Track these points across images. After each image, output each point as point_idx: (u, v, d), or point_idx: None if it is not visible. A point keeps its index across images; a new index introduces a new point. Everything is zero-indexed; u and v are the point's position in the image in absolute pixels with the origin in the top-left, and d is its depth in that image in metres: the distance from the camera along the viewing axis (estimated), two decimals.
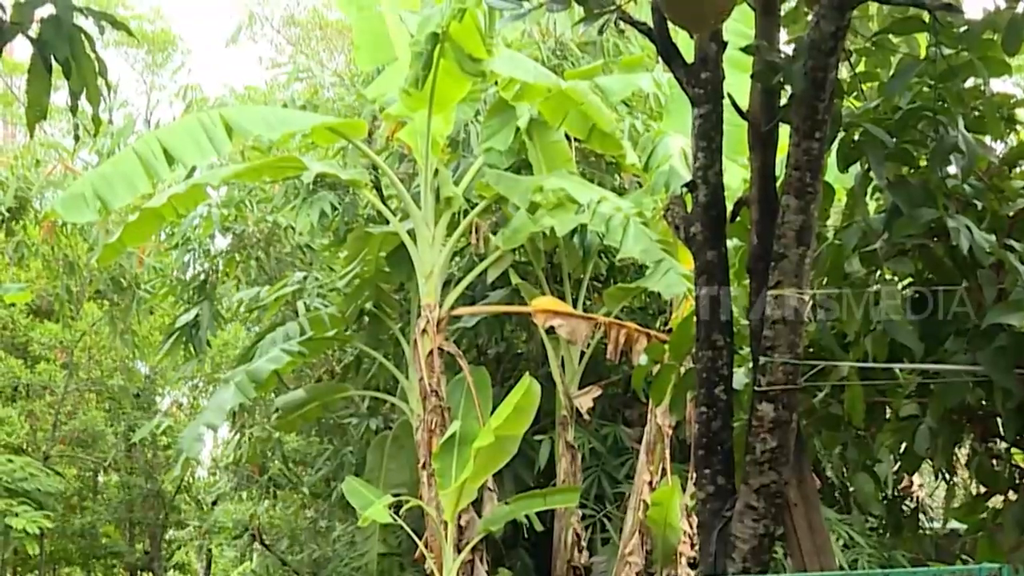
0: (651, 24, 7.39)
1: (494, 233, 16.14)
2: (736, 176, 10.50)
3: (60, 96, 24.85)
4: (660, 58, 8.12)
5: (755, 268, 6.89)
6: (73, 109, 6.52)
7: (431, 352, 15.30)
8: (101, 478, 32.98)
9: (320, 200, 17.57)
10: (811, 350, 7.02)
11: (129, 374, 30.38)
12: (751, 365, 6.88)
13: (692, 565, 14.35)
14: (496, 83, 15.66)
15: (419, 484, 15.53)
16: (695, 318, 7.18)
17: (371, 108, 17.57)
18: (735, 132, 7.63)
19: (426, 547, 15.29)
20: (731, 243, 7.41)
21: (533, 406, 14.08)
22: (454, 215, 16.02)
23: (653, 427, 15.06)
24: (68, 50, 6.18)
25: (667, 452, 15.00)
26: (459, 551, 14.96)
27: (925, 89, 6.93)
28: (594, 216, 14.13)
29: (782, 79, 6.81)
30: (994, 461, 7.31)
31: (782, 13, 7.27)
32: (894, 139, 6.82)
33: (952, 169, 6.89)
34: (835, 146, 6.94)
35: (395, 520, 15.12)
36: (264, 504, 24.32)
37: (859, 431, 7.36)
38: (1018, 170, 7.31)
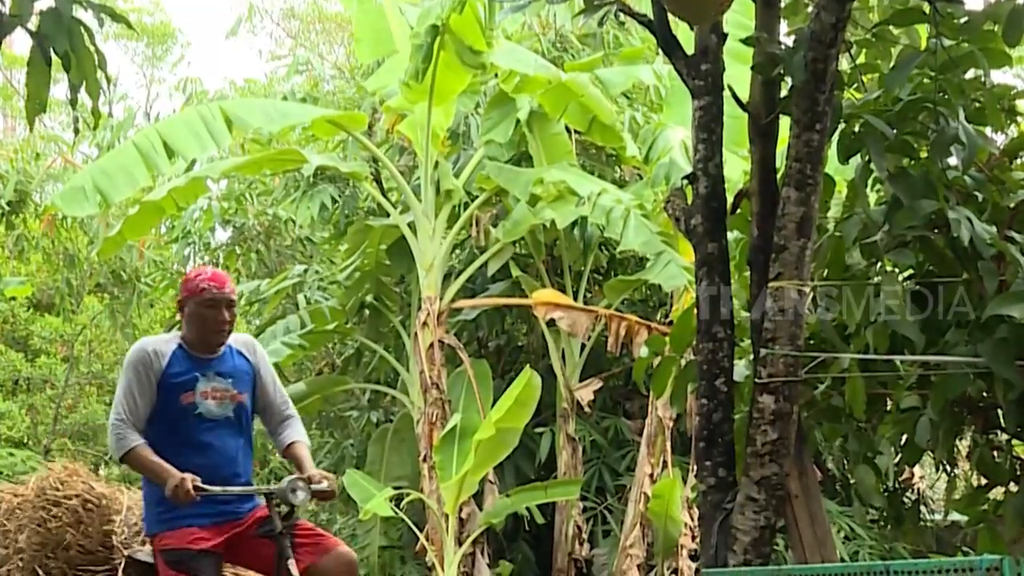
0: (651, 16, 7.39)
1: (494, 226, 16.13)
2: (736, 168, 10.51)
3: (60, 89, 24.83)
4: (660, 50, 8.12)
5: (756, 260, 6.90)
6: (73, 102, 6.52)
7: (432, 345, 15.30)
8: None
9: (320, 193, 17.56)
10: (812, 342, 7.02)
11: None
12: (752, 357, 6.89)
13: (693, 557, 14.35)
14: (496, 75, 15.65)
15: (420, 477, 15.52)
16: (695, 310, 7.19)
17: (371, 101, 17.56)
18: (735, 124, 7.65)
19: (427, 540, 15.29)
20: (732, 235, 7.42)
21: (534, 399, 14.07)
22: (454, 208, 16.01)
23: (654, 419, 15.05)
24: (67, 43, 6.17)
25: (668, 444, 15.00)
26: (460, 544, 14.97)
27: (926, 80, 6.92)
28: (594, 208, 14.12)
29: (782, 71, 6.82)
30: (995, 453, 7.31)
31: (782, 5, 7.27)
32: (894, 131, 6.82)
33: (953, 160, 6.87)
34: (835, 138, 6.94)
35: (396, 513, 15.11)
36: None
37: (860, 423, 7.35)
38: (1019, 161, 7.30)
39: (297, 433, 7.18)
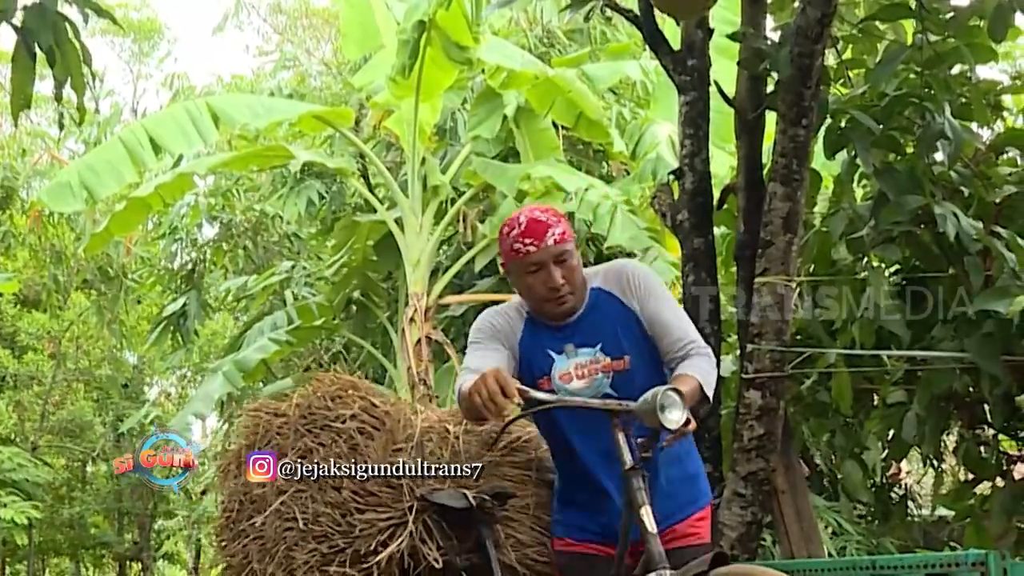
0: (637, 11, 7.39)
1: (482, 221, 16.10)
2: (723, 163, 10.51)
3: (46, 85, 24.84)
4: (646, 45, 8.11)
5: (742, 256, 6.89)
6: (58, 97, 6.51)
7: (419, 341, 15.26)
8: (90, 468, 32.98)
9: (307, 189, 17.57)
10: (798, 337, 7.03)
11: (117, 364, 30.39)
12: (738, 353, 6.89)
13: None
14: (483, 71, 15.62)
15: None
16: (682, 306, 7.19)
17: (358, 96, 17.56)
18: (722, 119, 7.65)
19: None
20: (718, 231, 7.42)
21: None
22: (441, 203, 15.99)
23: None
24: (52, 38, 6.17)
25: None
26: None
27: (912, 76, 6.93)
28: (581, 204, 14.09)
29: (768, 66, 6.81)
30: (981, 448, 7.33)
31: (768, 0, 7.27)
32: (881, 126, 6.82)
33: (939, 156, 6.89)
34: (822, 133, 6.94)
35: None
36: None
37: (847, 418, 7.37)
38: (1005, 157, 7.32)
39: (690, 368, 4.90)
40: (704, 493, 5.30)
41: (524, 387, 4.71)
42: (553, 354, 5.09)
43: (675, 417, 4.44)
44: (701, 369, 4.89)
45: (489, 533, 5.23)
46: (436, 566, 5.24)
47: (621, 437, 4.59)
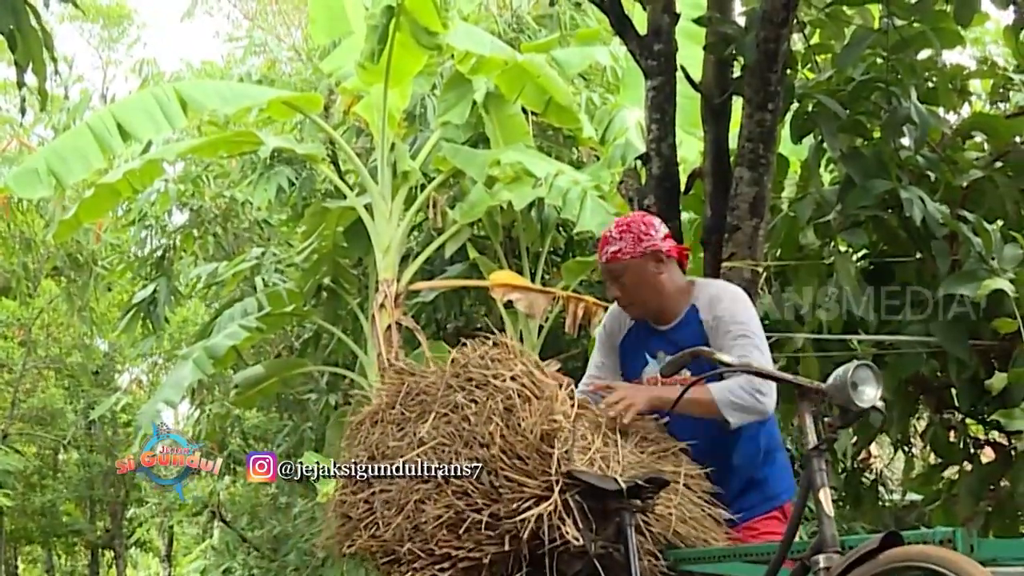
0: None
1: (451, 207, 16.07)
2: (691, 148, 10.49)
3: (13, 71, 24.72)
4: (613, 30, 8.10)
5: (709, 240, 6.89)
6: (20, 83, 6.46)
7: (389, 327, 15.21)
8: (61, 456, 32.88)
9: (277, 175, 17.49)
10: (766, 322, 7.02)
11: (88, 351, 30.25)
12: None
13: None
14: (452, 56, 15.60)
15: None
16: None
17: (327, 82, 17.51)
18: (690, 104, 7.64)
19: None
20: (685, 216, 7.41)
21: None
22: (411, 189, 15.94)
23: None
24: (12, 21, 6.11)
25: None
26: None
27: (878, 60, 6.94)
28: (551, 189, 14.07)
29: (735, 51, 6.81)
30: (950, 432, 7.35)
31: None
32: (847, 111, 6.84)
33: (905, 140, 6.91)
34: (788, 118, 6.94)
35: None
36: (224, 481, 24.24)
37: None
38: (971, 141, 7.33)
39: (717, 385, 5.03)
40: (770, 497, 5.42)
41: (709, 348, 4.77)
42: (648, 356, 5.40)
43: (869, 395, 4.28)
44: (724, 387, 5.01)
45: (633, 523, 4.89)
46: (575, 544, 4.91)
47: (808, 417, 4.42)
